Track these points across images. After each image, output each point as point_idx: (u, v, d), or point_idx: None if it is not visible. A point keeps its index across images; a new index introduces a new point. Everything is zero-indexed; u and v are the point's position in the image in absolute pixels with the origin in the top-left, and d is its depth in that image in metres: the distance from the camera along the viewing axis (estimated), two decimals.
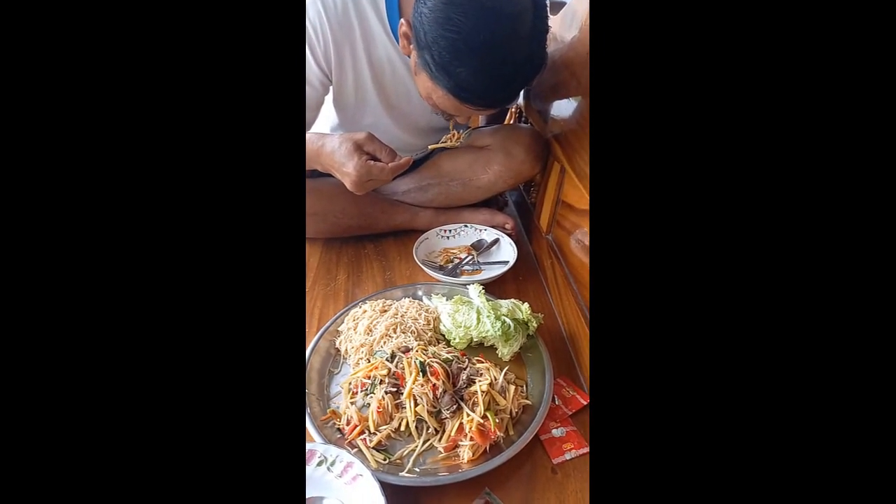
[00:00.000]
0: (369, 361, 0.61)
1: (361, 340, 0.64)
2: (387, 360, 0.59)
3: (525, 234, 0.97)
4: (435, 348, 0.61)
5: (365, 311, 0.69)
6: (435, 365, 0.56)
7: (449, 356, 0.59)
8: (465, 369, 0.57)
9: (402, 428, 0.55)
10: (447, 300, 0.70)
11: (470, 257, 0.87)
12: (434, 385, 0.55)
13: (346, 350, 0.65)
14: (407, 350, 0.60)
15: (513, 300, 0.68)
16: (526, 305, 0.66)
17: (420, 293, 0.76)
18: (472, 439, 0.52)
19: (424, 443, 0.53)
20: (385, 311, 0.70)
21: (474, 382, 0.56)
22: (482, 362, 0.60)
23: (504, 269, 0.81)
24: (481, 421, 0.52)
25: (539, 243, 0.88)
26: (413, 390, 0.55)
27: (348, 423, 0.55)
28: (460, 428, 0.53)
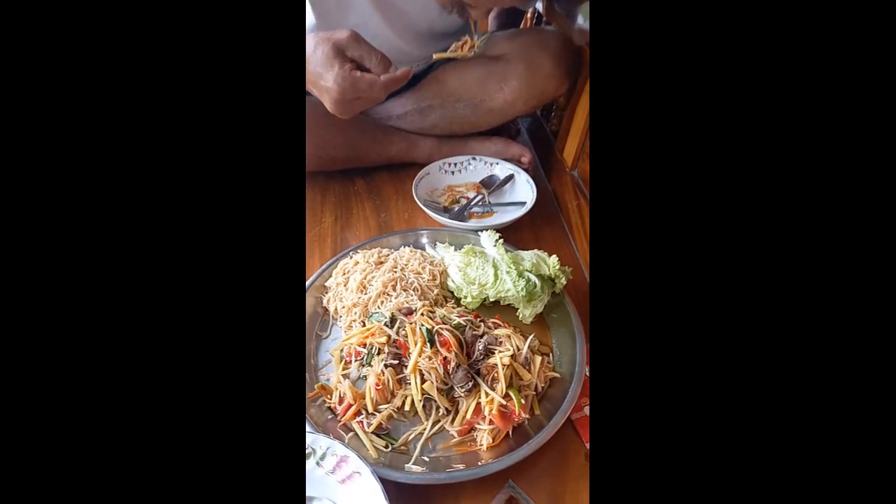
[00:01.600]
0: (364, 325, 0.51)
1: (354, 299, 0.54)
2: (385, 324, 0.48)
3: (542, 170, 0.83)
4: (443, 311, 0.50)
5: (357, 263, 0.58)
6: (445, 333, 0.45)
7: (461, 321, 0.48)
8: (481, 337, 0.47)
9: (407, 407, 0.45)
10: (456, 250, 0.59)
11: (479, 197, 0.74)
12: (445, 358, 0.45)
13: (336, 309, 0.55)
14: (410, 312, 0.50)
15: (536, 251, 0.56)
16: (554, 258, 0.54)
17: (423, 241, 0.64)
18: (491, 423, 0.43)
19: (434, 425, 0.45)
20: (381, 262, 0.58)
21: (493, 353, 0.46)
22: (500, 326, 0.50)
23: (521, 211, 0.68)
24: (503, 402, 0.43)
25: (561, 180, 0.75)
26: (419, 364, 0.45)
27: (341, 402, 0.46)
28: (477, 409, 0.44)
